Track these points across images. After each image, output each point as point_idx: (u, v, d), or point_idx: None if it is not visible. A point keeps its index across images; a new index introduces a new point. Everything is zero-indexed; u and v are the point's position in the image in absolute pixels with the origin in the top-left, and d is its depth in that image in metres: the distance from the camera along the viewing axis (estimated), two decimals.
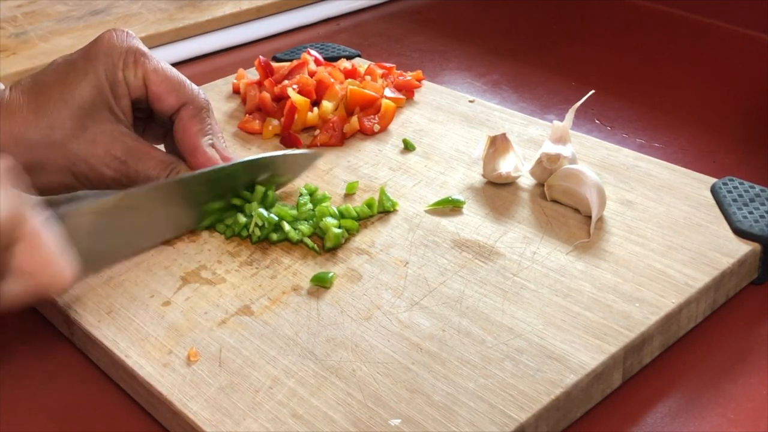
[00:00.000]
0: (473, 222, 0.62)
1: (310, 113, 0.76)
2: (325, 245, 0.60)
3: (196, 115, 0.63)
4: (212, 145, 0.63)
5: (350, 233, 0.62)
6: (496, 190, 0.66)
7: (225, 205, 0.63)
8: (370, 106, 0.77)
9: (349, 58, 0.90)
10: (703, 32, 1.01)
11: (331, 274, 0.57)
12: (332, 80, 0.78)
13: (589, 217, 0.61)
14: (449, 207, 0.64)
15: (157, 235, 0.61)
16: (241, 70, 0.86)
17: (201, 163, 0.62)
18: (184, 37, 1.01)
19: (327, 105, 0.76)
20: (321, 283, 0.56)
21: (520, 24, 1.09)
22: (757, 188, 0.64)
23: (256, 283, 0.57)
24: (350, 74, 0.81)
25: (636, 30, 1.04)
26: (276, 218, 0.61)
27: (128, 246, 0.60)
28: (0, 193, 0.44)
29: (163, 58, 0.64)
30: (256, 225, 0.61)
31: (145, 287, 0.58)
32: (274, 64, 0.82)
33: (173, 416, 0.49)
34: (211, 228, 0.63)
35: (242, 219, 0.62)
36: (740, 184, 0.64)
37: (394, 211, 0.64)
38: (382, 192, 0.64)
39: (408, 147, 0.73)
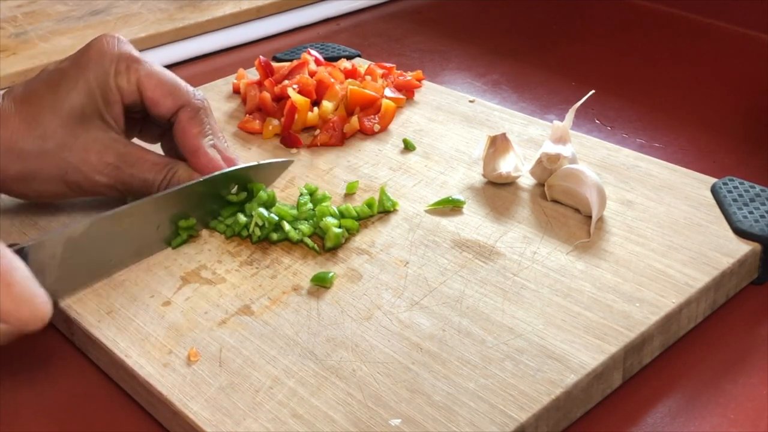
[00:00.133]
0: (473, 222, 0.62)
1: (310, 113, 0.76)
2: (325, 245, 0.60)
3: (194, 116, 0.63)
4: (213, 146, 0.63)
5: (350, 233, 0.62)
6: (496, 190, 0.66)
7: (196, 222, 0.62)
8: (370, 106, 0.77)
9: (349, 58, 0.90)
10: (703, 32, 1.01)
11: (331, 274, 0.57)
12: (332, 80, 0.78)
13: (590, 217, 0.61)
14: (449, 207, 0.64)
15: (127, 258, 0.60)
16: (241, 70, 0.86)
17: (203, 164, 0.62)
18: (184, 37, 1.01)
19: (327, 105, 0.76)
20: (321, 283, 0.56)
21: (520, 24, 1.09)
22: (757, 188, 0.64)
23: (256, 283, 0.57)
24: (350, 74, 0.81)
25: (636, 30, 1.04)
26: (276, 218, 0.61)
27: (96, 272, 0.58)
28: None
29: (163, 58, 0.64)
30: (257, 225, 0.61)
31: (145, 287, 0.58)
32: (274, 64, 0.82)
33: (173, 416, 0.49)
34: (211, 228, 0.63)
35: (242, 219, 0.62)
36: (740, 184, 0.64)
37: (394, 211, 0.64)
38: (382, 192, 0.64)
39: (408, 147, 0.73)
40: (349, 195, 0.67)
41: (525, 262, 0.58)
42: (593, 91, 0.69)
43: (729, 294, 0.58)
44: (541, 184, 0.66)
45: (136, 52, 0.62)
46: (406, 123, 0.78)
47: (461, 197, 0.64)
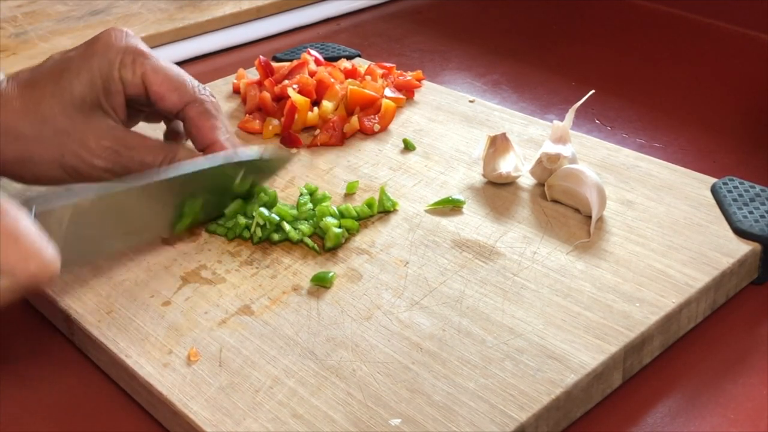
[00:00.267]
0: (473, 222, 0.62)
1: (310, 113, 0.76)
2: (325, 245, 0.60)
3: (204, 112, 0.63)
4: (228, 140, 0.63)
5: (350, 233, 0.62)
6: (496, 190, 0.66)
7: (201, 207, 0.62)
8: (370, 106, 0.77)
9: (349, 58, 0.90)
10: (703, 32, 1.01)
11: (331, 274, 0.57)
12: (332, 80, 0.78)
13: (590, 217, 0.61)
14: (449, 207, 0.64)
15: (130, 237, 0.59)
16: (241, 70, 0.86)
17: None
18: (184, 37, 1.01)
19: (327, 105, 0.76)
20: (321, 283, 0.56)
21: (520, 24, 1.09)
22: (757, 188, 0.64)
23: (256, 283, 0.57)
24: (350, 74, 0.81)
25: (636, 30, 1.04)
26: (277, 218, 0.61)
27: (101, 248, 0.58)
28: None
29: (163, 58, 0.64)
30: (258, 225, 0.61)
31: (145, 287, 0.58)
32: (274, 64, 0.82)
33: (173, 416, 0.49)
34: (211, 232, 0.63)
35: (243, 220, 0.62)
36: (740, 183, 0.64)
37: (395, 210, 0.64)
38: (382, 192, 0.64)
39: (408, 147, 0.73)
40: (349, 195, 0.67)
41: (525, 262, 0.58)
42: (593, 91, 0.69)
43: (729, 294, 0.58)
44: (541, 184, 0.66)
45: (143, 47, 0.63)
46: (406, 123, 0.78)
47: (461, 197, 0.64)
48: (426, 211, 0.64)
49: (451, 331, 0.52)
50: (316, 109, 0.76)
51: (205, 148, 0.62)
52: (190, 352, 0.51)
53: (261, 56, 0.83)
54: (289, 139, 0.75)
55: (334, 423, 0.46)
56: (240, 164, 0.62)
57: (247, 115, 0.79)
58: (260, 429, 0.46)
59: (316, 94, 0.78)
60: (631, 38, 1.01)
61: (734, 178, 0.65)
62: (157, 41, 0.98)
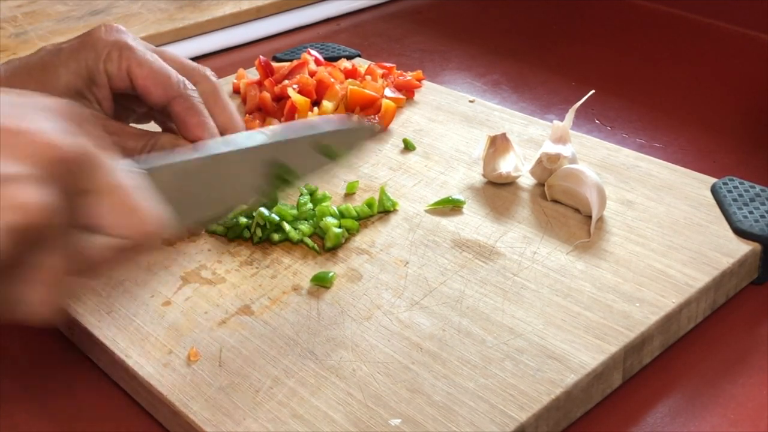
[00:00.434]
0: (473, 222, 0.62)
1: (310, 113, 0.76)
2: (325, 245, 0.60)
3: (191, 107, 0.62)
4: (232, 120, 0.63)
5: (350, 233, 0.62)
6: (496, 190, 0.66)
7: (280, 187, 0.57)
8: (370, 106, 0.77)
9: (349, 58, 0.90)
10: (703, 32, 1.01)
11: (331, 274, 0.57)
12: (332, 80, 0.78)
13: (590, 217, 0.61)
14: (449, 207, 0.64)
15: (221, 205, 0.55)
16: (241, 70, 0.86)
17: None
18: (184, 37, 1.01)
19: (327, 105, 0.76)
20: (321, 283, 0.56)
21: (520, 24, 1.09)
22: (757, 188, 0.64)
23: (256, 283, 0.57)
24: (350, 74, 0.81)
25: (636, 30, 1.04)
26: (277, 218, 0.61)
27: (193, 214, 0.53)
28: (59, 126, 0.38)
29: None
30: (258, 225, 0.61)
31: (145, 287, 0.58)
32: (274, 64, 0.82)
33: (173, 416, 0.49)
34: (211, 232, 0.63)
35: (243, 220, 0.62)
36: (740, 183, 0.64)
37: (394, 210, 0.64)
38: (383, 192, 0.64)
39: (408, 147, 0.73)
40: (349, 195, 0.67)
41: (525, 262, 0.58)
42: (593, 91, 0.69)
43: (729, 294, 0.58)
44: (541, 184, 0.66)
45: (132, 41, 0.62)
46: (406, 123, 0.78)
47: (461, 197, 0.64)
48: (426, 211, 0.64)
49: (451, 331, 0.52)
50: (316, 109, 0.76)
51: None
52: (190, 352, 0.51)
53: (261, 56, 0.83)
54: None
55: (334, 423, 0.46)
56: (312, 144, 0.57)
57: (248, 115, 0.79)
58: (260, 429, 0.46)
59: (316, 94, 0.78)
60: (631, 38, 1.01)
61: (734, 178, 0.65)
62: (157, 41, 0.98)
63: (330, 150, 0.57)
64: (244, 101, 0.82)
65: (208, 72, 0.64)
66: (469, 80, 0.93)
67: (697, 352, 0.54)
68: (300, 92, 0.77)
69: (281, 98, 0.78)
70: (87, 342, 0.55)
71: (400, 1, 1.17)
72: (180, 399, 0.48)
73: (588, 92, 0.69)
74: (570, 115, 0.67)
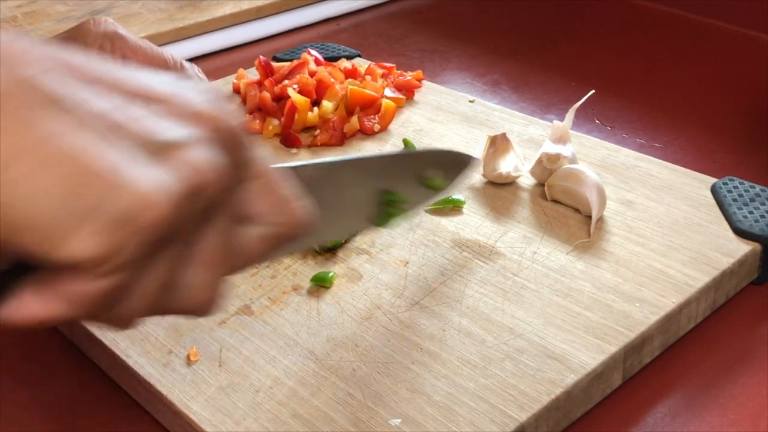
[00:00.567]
0: (473, 222, 0.62)
1: (310, 113, 0.76)
2: (325, 245, 0.60)
3: None
4: None
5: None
6: (496, 190, 0.66)
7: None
8: (370, 106, 0.77)
9: (349, 58, 0.90)
10: (703, 32, 1.01)
11: (331, 274, 0.57)
12: (332, 80, 0.78)
13: (590, 217, 0.61)
14: (449, 207, 0.64)
15: (349, 220, 0.53)
16: (241, 70, 0.86)
17: None
18: (184, 37, 1.01)
19: (327, 105, 0.76)
20: (321, 283, 0.56)
21: (520, 24, 1.09)
22: (757, 188, 0.64)
23: (256, 283, 0.57)
24: (350, 74, 0.81)
25: (636, 30, 1.04)
26: None
27: (328, 227, 0.50)
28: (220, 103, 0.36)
29: None
30: None
31: None
32: (274, 64, 0.82)
33: (173, 416, 0.49)
34: None
35: None
36: (740, 184, 0.64)
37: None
38: None
39: (408, 147, 0.73)
40: None
41: (525, 262, 0.58)
42: (593, 91, 0.69)
43: (729, 294, 0.58)
44: (541, 184, 0.66)
45: (122, 31, 0.63)
46: (406, 123, 0.78)
47: (461, 197, 0.64)
48: (426, 211, 0.64)
49: (451, 331, 0.52)
50: (316, 109, 0.76)
51: None
52: (190, 352, 0.51)
53: (261, 56, 0.83)
54: (289, 139, 0.75)
55: (334, 423, 0.46)
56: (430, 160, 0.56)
57: (248, 115, 0.79)
58: (260, 429, 0.46)
59: (316, 94, 0.78)
60: (631, 38, 1.01)
61: (734, 178, 0.65)
62: (157, 41, 0.98)
63: (434, 182, 0.56)
64: (244, 101, 0.82)
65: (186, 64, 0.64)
66: (469, 80, 0.93)
67: (697, 352, 0.54)
68: (300, 92, 0.77)
69: (281, 98, 0.78)
70: (87, 342, 0.55)
71: (400, 1, 1.17)
72: (180, 399, 0.48)
73: (588, 92, 0.69)
74: (570, 115, 0.67)
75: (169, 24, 1.00)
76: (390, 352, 0.51)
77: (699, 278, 0.55)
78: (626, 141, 0.79)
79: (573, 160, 0.65)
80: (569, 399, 0.48)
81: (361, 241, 0.61)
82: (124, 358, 0.52)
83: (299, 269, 0.58)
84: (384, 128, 0.77)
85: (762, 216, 0.60)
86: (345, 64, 0.82)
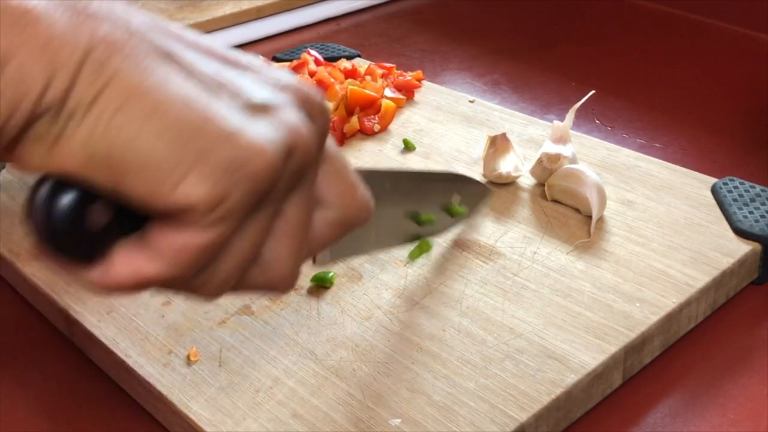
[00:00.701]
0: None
1: None
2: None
3: None
4: None
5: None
6: (496, 190, 0.66)
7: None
8: (370, 106, 0.77)
9: (349, 58, 0.90)
10: (703, 32, 1.01)
11: (331, 274, 0.57)
12: (332, 80, 0.78)
13: (590, 216, 0.61)
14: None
15: (385, 240, 0.53)
16: None
17: None
18: None
19: (327, 105, 0.76)
20: (321, 283, 0.56)
21: (520, 24, 1.09)
22: (758, 188, 0.64)
23: None
24: (350, 74, 0.81)
25: (636, 30, 1.04)
26: None
27: (358, 246, 0.52)
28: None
29: None
30: None
31: None
32: (274, 64, 0.82)
33: (173, 416, 0.49)
34: None
35: None
36: (740, 184, 0.64)
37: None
38: None
39: (408, 147, 0.73)
40: None
41: (525, 262, 0.58)
42: (593, 91, 0.69)
43: (729, 294, 0.58)
44: (541, 184, 0.66)
45: None
46: (406, 123, 0.78)
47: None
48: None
49: (451, 331, 0.52)
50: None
51: None
52: (190, 352, 0.51)
53: (261, 56, 0.83)
54: None
55: (334, 423, 0.46)
56: (452, 183, 0.58)
57: None
58: (260, 429, 0.46)
59: None
60: (631, 38, 1.01)
61: (734, 178, 0.65)
62: None
63: (456, 209, 0.58)
64: None
65: None
66: (469, 80, 0.93)
67: (697, 352, 0.54)
68: None
69: None
70: (87, 342, 0.55)
71: (400, 1, 1.17)
72: (180, 399, 0.48)
73: (588, 92, 0.69)
74: (570, 115, 0.67)
75: None
76: (390, 352, 0.51)
77: (699, 278, 0.55)
78: (626, 141, 0.79)
79: (573, 160, 0.65)
80: (569, 399, 0.48)
81: None
82: (123, 358, 0.52)
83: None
84: (384, 128, 0.77)
85: (762, 216, 0.60)
86: (345, 64, 0.82)
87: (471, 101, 0.81)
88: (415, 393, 0.48)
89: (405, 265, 0.58)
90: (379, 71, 0.82)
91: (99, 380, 0.54)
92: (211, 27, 1.02)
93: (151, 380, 0.50)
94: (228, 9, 1.04)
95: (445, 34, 1.06)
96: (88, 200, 0.31)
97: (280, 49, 0.99)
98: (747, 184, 0.64)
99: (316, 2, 1.11)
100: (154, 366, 0.51)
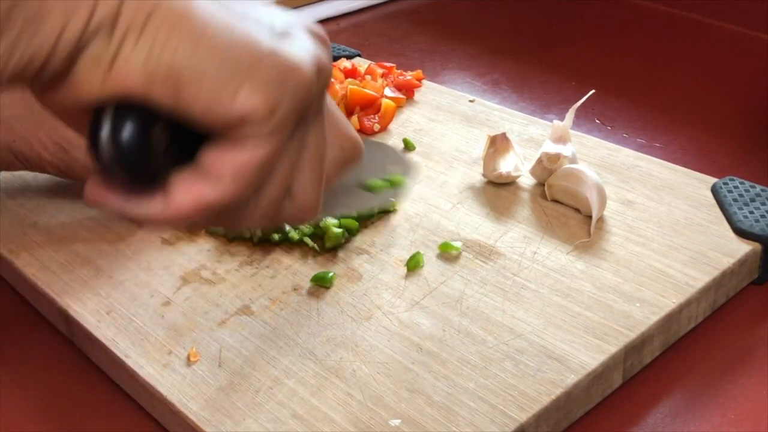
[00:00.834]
0: (473, 222, 0.62)
1: None
2: (325, 245, 0.60)
3: None
4: None
5: (350, 233, 0.62)
6: (496, 190, 0.66)
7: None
8: (370, 106, 0.77)
9: (349, 57, 0.90)
10: (703, 32, 1.01)
11: (331, 274, 0.57)
12: (332, 80, 0.78)
13: (590, 216, 0.61)
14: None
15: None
16: None
17: None
18: None
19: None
20: (321, 283, 0.56)
21: (520, 24, 1.09)
22: (758, 188, 0.63)
23: (256, 283, 0.57)
24: (350, 74, 0.81)
25: (636, 30, 1.04)
26: None
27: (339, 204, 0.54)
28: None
29: None
30: None
31: (145, 287, 0.57)
32: None
33: (173, 416, 0.48)
34: (210, 233, 0.63)
35: None
36: (740, 183, 0.64)
37: (394, 211, 0.64)
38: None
39: (408, 146, 0.73)
40: None
41: (525, 262, 0.58)
42: (593, 91, 0.69)
43: (729, 294, 0.58)
44: (541, 184, 0.66)
45: None
46: (406, 123, 0.78)
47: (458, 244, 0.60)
48: (426, 212, 0.64)
49: (451, 332, 0.52)
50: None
51: None
52: (189, 353, 0.51)
53: None
54: None
55: (334, 423, 0.46)
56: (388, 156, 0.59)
57: None
58: (260, 429, 0.46)
59: None
60: (631, 38, 1.01)
61: (734, 178, 0.65)
62: None
63: (396, 180, 0.57)
64: None
65: None
66: (469, 80, 0.93)
67: (697, 352, 0.54)
68: None
69: None
70: (87, 342, 0.55)
71: (400, 1, 1.17)
72: (179, 399, 0.48)
73: (588, 92, 0.69)
74: (570, 114, 0.67)
75: None
76: (390, 352, 0.51)
77: (699, 278, 0.55)
78: (626, 141, 0.79)
79: (573, 160, 0.65)
80: (569, 399, 0.48)
81: (361, 241, 0.61)
82: (123, 358, 0.52)
83: (299, 269, 0.58)
84: (384, 128, 0.77)
85: (762, 216, 0.60)
86: (345, 63, 0.82)
87: (471, 101, 0.81)
88: (415, 393, 0.48)
89: (405, 265, 0.58)
90: (379, 71, 0.82)
91: (99, 380, 0.54)
92: None
93: (151, 380, 0.50)
94: None
95: (444, 34, 1.06)
96: (150, 123, 0.33)
97: None
98: (747, 184, 0.64)
99: (316, 2, 1.11)
100: (153, 366, 0.51)
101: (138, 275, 0.59)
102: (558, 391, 0.47)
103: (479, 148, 0.68)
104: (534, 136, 0.74)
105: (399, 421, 0.46)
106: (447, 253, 0.59)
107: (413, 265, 0.57)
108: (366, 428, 0.46)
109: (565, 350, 0.50)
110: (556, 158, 0.64)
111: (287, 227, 0.61)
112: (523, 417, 0.45)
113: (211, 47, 0.32)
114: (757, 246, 0.58)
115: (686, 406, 0.50)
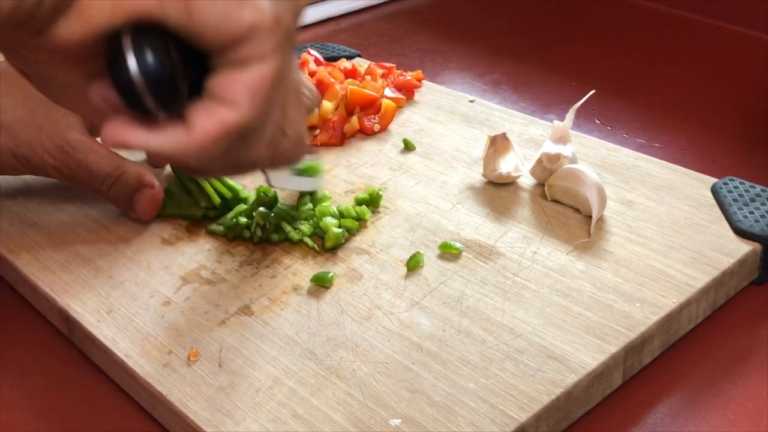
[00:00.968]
0: (473, 222, 0.62)
1: None
2: (325, 245, 0.60)
3: None
4: None
5: (350, 233, 0.62)
6: (496, 190, 0.66)
7: None
8: (370, 106, 0.77)
9: (349, 58, 0.90)
10: (703, 32, 1.01)
11: (331, 274, 0.57)
12: (332, 80, 0.78)
13: (590, 216, 0.61)
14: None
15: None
16: None
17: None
18: None
19: (327, 105, 0.76)
20: (321, 283, 0.56)
21: (520, 24, 1.09)
22: (758, 188, 0.64)
23: (256, 283, 0.57)
24: (350, 74, 0.81)
25: (636, 30, 1.04)
26: (277, 218, 0.61)
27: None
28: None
29: None
30: (258, 225, 0.61)
31: (145, 287, 0.57)
32: None
33: (173, 416, 0.48)
34: (211, 232, 0.63)
35: (243, 220, 0.62)
36: (740, 184, 0.64)
37: (394, 210, 0.64)
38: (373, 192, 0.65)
39: (408, 147, 0.73)
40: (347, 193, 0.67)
41: (525, 262, 0.58)
42: (593, 91, 0.69)
43: (729, 294, 0.58)
44: (541, 184, 0.66)
45: None
46: (406, 123, 0.78)
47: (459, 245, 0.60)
48: (426, 212, 0.64)
49: (452, 331, 0.52)
50: (315, 109, 0.76)
51: None
52: (189, 353, 0.51)
53: None
54: None
55: (334, 423, 0.46)
56: None
57: None
58: (260, 429, 0.46)
59: None
60: (631, 38, 1.01)
61: (734, 178, 0.65)
62: None
63: (315, 168, 0.63)
64: None
65: None
66: (469, 80, 0.93)
67: (697, 352, 0.54)
68: None
69: None
70: (87, 342, 0.55)
71: (400, 1, 1.17)
72: (180, 399, 0.48)
73: (588, 92, 0.69)
74: (570, 115, 0.67)
75: None
76: (390, 352, 0.51)
77: (699, 278, 0.55)
78: (626, 141, 0.79)
79: (573, 160, 0.65)
80: (569, 399, 0.48)
81: (361, 241, 0.61)
82: (123, 358, 0.52)
83: (299, 269, 0.58)
84: (384, 128, 0.77)
85: (762, 216, 0.60)
86: (345, 64, 0.82)
87: (471, 101, 0.81)
88: (415, 393, 0.48)
89: (405, 265, 0.58)
90: (379, 71, 0.82)
91: (99, 380, 0.54)
92: None
93: (151, 380, 0.50)
94: None
95: (445, 33, 1.06)
96: (167, 45, 0.34)
97: None
98: (747, 184, 0.64)
99: (316, 2, 1.11)
100: (153, 366, 0.51)
101: (138, 275, 0.59)
102: (558, 391, 0.47)
103: (479, 149, 0.68)
104: (534, 136, 0.74)
105: (399, 420, 0.46)
106: (447, 253, 0.59)
107: (413, 265, 0.58)
108: (366, 428, 0.46)
109: (565, 350, 0.50)
110: (556, 158, 0.64)
111: (287, 228, 0.61)
112: (523, 417, 0.45)
113: None
114: (757, 246, 0.58)
115: (686, 406, 0.50)
